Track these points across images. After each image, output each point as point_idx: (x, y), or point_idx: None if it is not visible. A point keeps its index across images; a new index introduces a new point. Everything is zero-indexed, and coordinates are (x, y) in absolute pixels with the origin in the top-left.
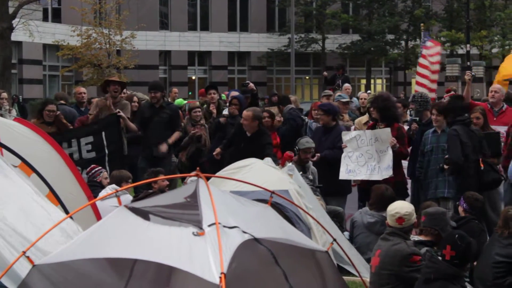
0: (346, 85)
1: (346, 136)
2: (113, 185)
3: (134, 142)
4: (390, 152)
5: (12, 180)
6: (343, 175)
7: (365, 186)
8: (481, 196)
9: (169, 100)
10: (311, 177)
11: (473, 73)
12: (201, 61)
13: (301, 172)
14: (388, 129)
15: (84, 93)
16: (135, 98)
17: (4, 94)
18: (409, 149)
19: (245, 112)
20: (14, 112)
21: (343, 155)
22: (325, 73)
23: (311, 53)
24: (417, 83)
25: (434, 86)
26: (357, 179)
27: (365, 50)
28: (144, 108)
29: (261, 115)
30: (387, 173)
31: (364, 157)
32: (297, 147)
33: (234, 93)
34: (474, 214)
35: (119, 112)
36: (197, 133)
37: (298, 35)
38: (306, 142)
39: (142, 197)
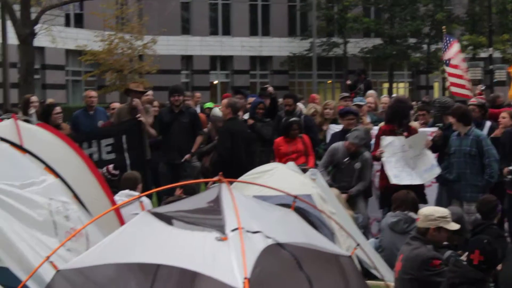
0: (370, 92)
1: (383, 141)
2: (127, 191)
3: (155, 147)
4: (425, 153)
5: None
6: (391, 179)
7: (385, 191)
8: (495, 198)
9: (191, 105)
10: (358, 165)
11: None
12: (223, 66)
13: (348, 158)
14: (425, 133)
15: (94, 97)
16: (155, 103)
17: (34, 98)
18: (435, 155)
19: (223, 101)
20: None
21: (383, 160)
22: (348, 81)
23: (333, 57)
24: (453, 84)
25: (471, 85)
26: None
27: (387, 54)
28: (163, 113)
29: (236, 105)
30: (430, 174)
31: (400, 162)
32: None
33: (252, 99)
34: (491, 218)
35: (139, 117)
36: None
37: (320, 39)
38: (355, 137)
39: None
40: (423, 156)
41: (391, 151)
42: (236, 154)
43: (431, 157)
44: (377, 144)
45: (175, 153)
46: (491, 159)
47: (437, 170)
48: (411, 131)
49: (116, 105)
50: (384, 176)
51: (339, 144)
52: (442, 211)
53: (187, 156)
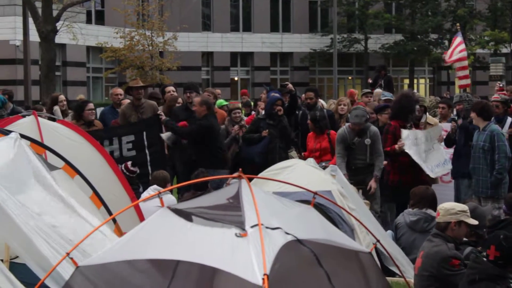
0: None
1: (403, 134)
2: (155, 186)
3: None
4: (438, 148)
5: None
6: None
7: (397, 185)
8: None
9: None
10: (368, 141)
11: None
12: (243, 62)
13: (356, 138)
14: (440, 126)
15: (121, 94)
16: (179, 100)
17: (62, 97)
18: (451, 150)
19: (195, 99)
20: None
21: (410, 152)
22: (369, 80)
23: (354, 53)
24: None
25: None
26: None
27: (408, 50)
28: (178, 110)
29: (209, 102)
30: (442, 169)
31: (415, 156)
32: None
33: (274, 94)
34: None
35: (160, 113)
36: (238, 134)
37: (340, 36)
38: (355, 117)
39: (189, 198)
40: (435, 151)
41: (409, 143)
42: (209, 148)
43: (443, 152)
44: (390, 140)
45: (190, 150)
46: (501, 155)
47: (449, 166)
48: (419, 126)
49: None
50: (396, 171)
51: (343, 129)
52: (462, 205)
53: None
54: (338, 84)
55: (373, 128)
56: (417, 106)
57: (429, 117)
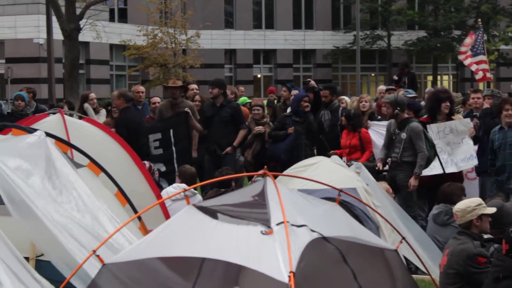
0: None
1: (429, 129)
2: (182, 184)
3: (199, 141)
4: (467, 142)
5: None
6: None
7: (422, 184)
8: None
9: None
10: (404, 135)
11: None
12: (266, 60)
13: (396, 130)
14: (467, 120)
15: (142, 92)
16: (197, 97)
17: (92, 95)
18: (476, 147)
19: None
20: (104, 112)
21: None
22: (395, 77)
23: (377, 50)
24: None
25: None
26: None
27: (431, 46)
28: (205, 107)
29: (127, 94)
30: (466, 164)
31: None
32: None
33: (295, 92)
34: None
35: (187, 110)
36: (260, 131)
37: (363, 32)
38: (386, 98)
39: (212, 196)
40: (463, 146)
41: (434, 137)
42: (132, 142)
43: (471, 148)
44: None
45: (215, 147)
46: None
47: (475, 161)
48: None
49: (157, 99)
50: None
51: (391, 119)
52: (475, 199)
53: (228, 149)
54: (361, 81)
55: (414, 124)
56: (447, 103)
57: (456, 115)
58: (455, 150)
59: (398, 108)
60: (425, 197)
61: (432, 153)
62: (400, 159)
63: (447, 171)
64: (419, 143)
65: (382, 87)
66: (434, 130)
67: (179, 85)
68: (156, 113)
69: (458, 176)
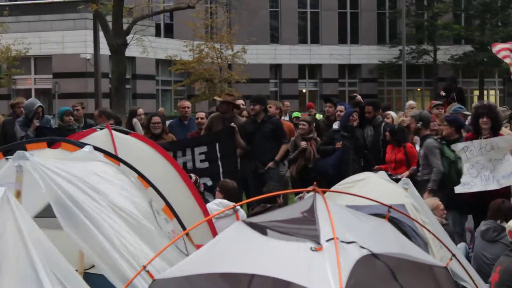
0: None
1: (456, 148)
2: (224, 200)
3: (244, 156)
4: (508, 159)
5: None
6: (458, 188)
7: (472, 201)
8: None
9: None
10: (422, 152)
11: None
12: (311, 74)
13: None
14: (509, 137)
15: (188, 107)
16: (244, 113)
17: (141, 110)
18: None
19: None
20: None
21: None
22: (442, 92)
23: (423, 64)
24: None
25: None
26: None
27: (477, 61)
28: (247, 123)
29: (107, 111)
30: (507, 181)
31: (476, 168)
32: None
33: (340, 107)
34: None
35: (233, 125)
36: (304, 147)
37: (409, 47)
38: (413, 113)
39: (259, 211)
40: (505, 162)
41: (464, 157)
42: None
43: (509, 166)
44: None
45: (257, 163)
46: None
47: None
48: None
49: (202, 114)
50: None
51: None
52: None
53: (270, 164)
54: (407, 95)
55: (428, 140)
56: (484, 119)
57: (503, 129)
58: (497, 166)
59: (421, 122)
60: (467, 213)
61: (454, 169)
62: (421, 177)
63: (489, 188)
64: (433, 159)
65: (411, 102)
66: (476, 147)
67: (229, 100)
68: (206, 124)
69: (502, 193)
